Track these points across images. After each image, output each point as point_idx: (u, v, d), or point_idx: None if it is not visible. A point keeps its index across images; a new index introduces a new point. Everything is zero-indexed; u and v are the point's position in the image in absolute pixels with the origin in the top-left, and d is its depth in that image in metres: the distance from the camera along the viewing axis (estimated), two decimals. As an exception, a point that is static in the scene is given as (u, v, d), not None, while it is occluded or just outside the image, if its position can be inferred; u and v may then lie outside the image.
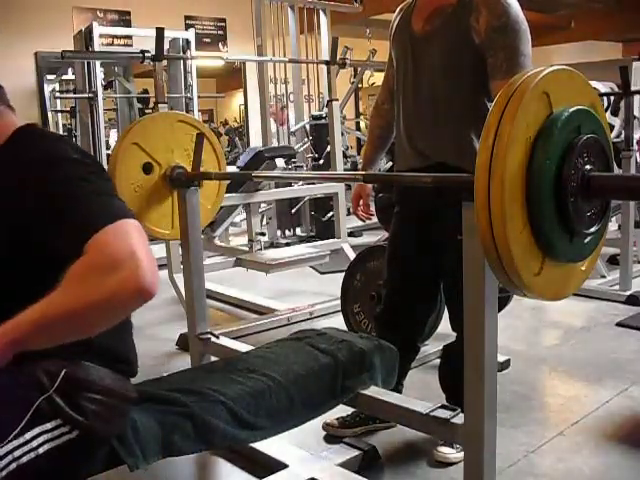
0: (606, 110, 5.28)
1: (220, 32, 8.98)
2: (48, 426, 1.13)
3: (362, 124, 9.82)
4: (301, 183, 4.35)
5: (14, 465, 1.08)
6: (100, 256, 1.01)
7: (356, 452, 1.97)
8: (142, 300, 1.01)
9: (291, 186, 4.47)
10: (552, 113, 1.17)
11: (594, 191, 1.19)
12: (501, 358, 2.63)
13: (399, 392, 2.03)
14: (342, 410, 1.99)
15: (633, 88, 3.86)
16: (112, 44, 7.66)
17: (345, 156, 6.60)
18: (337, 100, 4.36)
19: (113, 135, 7.90)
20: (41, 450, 1.11)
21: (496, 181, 1.10)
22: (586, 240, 1.25)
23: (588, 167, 1.19)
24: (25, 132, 1.26)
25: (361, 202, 2.27)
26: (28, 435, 1.10)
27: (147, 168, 2.18)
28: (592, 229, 1.24)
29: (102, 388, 1.20)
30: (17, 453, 1.09)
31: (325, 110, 5.34)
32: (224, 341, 2.11)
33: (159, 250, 3.79)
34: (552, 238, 1.18)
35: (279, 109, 6.49)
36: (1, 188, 1.16)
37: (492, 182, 1.10)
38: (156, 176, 2.19)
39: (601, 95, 5.06)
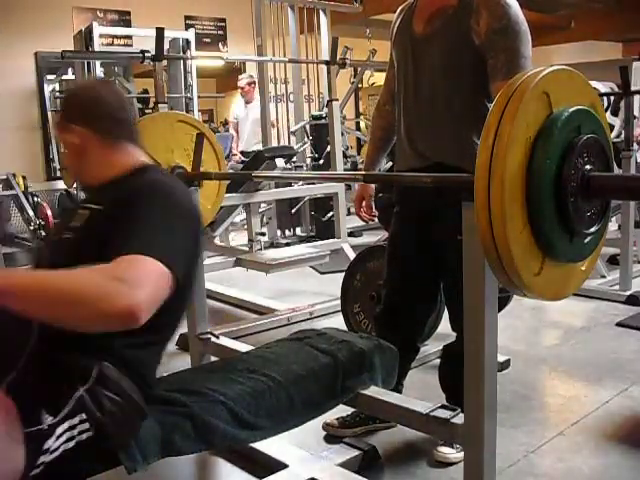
0: (606, 110, 5.28)
1: (220, 32, 8.98)
2: (75, 421, 1.17)
3: (362, 124, 9.80)
4: (301, 183, 4.35)
5: (51, 457, 1.13)
6: (116, 269, 1.10)
7: (356, 452, 1.97)
8: (123, 320, 1.07)
9: (291, 186, 4.47)
10: (552, 113, 1.17)
11: (594, 191, 1.19)
12: (501, 358, 2.63)
13: (399, 392, 2.03)
14: (342, 410, 1.99)
15: (633, 88, 3.86)
16: (112, 44, 7.66)
17: (345, 156, 6.59)
18: (337, 100, 4.36)
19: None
20: (70, 444, 1.16)
21: (496, 181, 1.10)
22: (586, 240, 1.25)
23: (588, 167, 1.19)
24: (144, 170, 1.42)
25: (364, 203, 2.27)
26: (60, 429, 1.15)
27: None
28: (592, 229, 1.24)
29: (120, 391, 1.24)
30: (53, 446, 1.13)
31: (325, 110, 5.34)
32: (224, 341, 2.11)
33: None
34: (552, 238, 1.18)
35: (247, 84, 6.47)
36: (107, 213, 1.31)
37: (492, 182, 1.10)
38: None
39: (601, 95, 5.06)
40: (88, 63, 6.50)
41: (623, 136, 3.87)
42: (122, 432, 1.22)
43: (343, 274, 3.06)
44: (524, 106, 1.11)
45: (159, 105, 3.31)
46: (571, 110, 1.18)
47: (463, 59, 1.83)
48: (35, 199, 6.64)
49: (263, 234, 4.33)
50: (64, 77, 7.99)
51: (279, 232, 5.90)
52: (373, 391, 1.68)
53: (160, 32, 3.28)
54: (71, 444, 1.15)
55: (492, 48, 1.77)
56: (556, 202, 1.15)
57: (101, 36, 6.37)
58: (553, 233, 1.17)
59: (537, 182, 1.13)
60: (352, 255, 3.66)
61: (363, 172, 1.59)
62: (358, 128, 9.68)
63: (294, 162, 5.47)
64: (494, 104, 1.14)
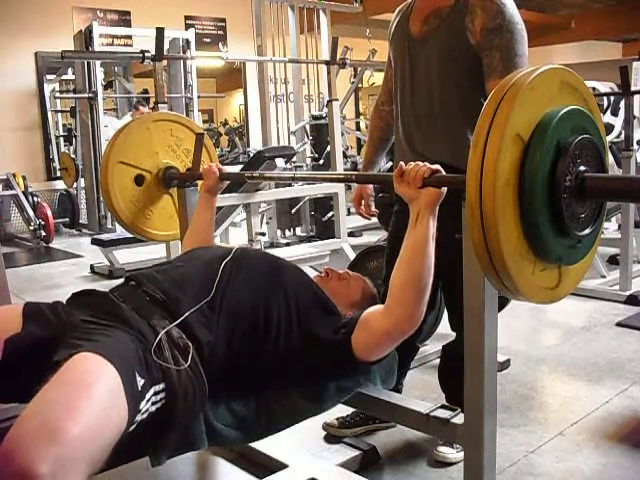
0: (606, 110, 5.28)
1: (220, 32, 8.99)
2: (159, 387, 1.21)
3: (362, 124, 9.81)
4: (301, 183, 4.35)
5: (141, 417, 1.17)
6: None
7: (356, 452, 1.97)
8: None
9: (291, 186, 4.47)
10: (545, 114, 1.16)
11: (589, 192, 1.19)
12: (501, 358, 2.63)
13: (399, 392, 2.03)
14: (342, 410, 1.99)
15: (633, 88, 3.85)
16: (112, 44, 7.66)
17: (345, 156, 6.59)
18: (337, 100, 4.36)
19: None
20: (153, 409, 1.20)
21: (487, 184, 1.08)
22: (581, 242, 1.24)
23: (582, 168, 1.18)
24: None
25: (363, 203, 2.27)
26: (148, 394, 1.18)
27: (139, 180, 2.19)
28: (586, 231, 1.23)
29: (201, 381, 1.29)
30: (144, 408, 1.17)
31: (325, 110, 5.34)
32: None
33: (159, 250, 3.76)
34: (546, 241, 1.17)
35: (140, 107, 6.49)
36: None
37: (484, 185, 1.09)
38: (150, 183, 2.20)
39: (601, 95, 5.06)
40: (88, 63, 6.51)
41: (623, 136, 3.87)
42: (190, 407, 1.26)
43: (343, 274, 3.05)
44: (517, 106, 1.10)
45: (159, 105, 3.30)
46: (565, 110, 1.17)
47: (459, 59, 1.83)
48: (35, 199, 6.64)
49: (263, 234, 4.32)
50: (64, 77, 8.01)
51: (279, 232, 5.90)
52: (373, 391, 1.67)
53: (160, 32, 3.28)
54: (153, 409, 1.19)
55: (487, 47, 1.77)
56: (550, 203, 1.14)
57: (101, 36, 6.38)
58: (547, 235, 1.16)
59: (530, 183, 1.12)
60: (352, 255, 3.65)
61: (356, 172, 1.59)
62: (358, 128, 9.68)
63: (294, 162, 5.47)
64: (486, 104, 1.13)
